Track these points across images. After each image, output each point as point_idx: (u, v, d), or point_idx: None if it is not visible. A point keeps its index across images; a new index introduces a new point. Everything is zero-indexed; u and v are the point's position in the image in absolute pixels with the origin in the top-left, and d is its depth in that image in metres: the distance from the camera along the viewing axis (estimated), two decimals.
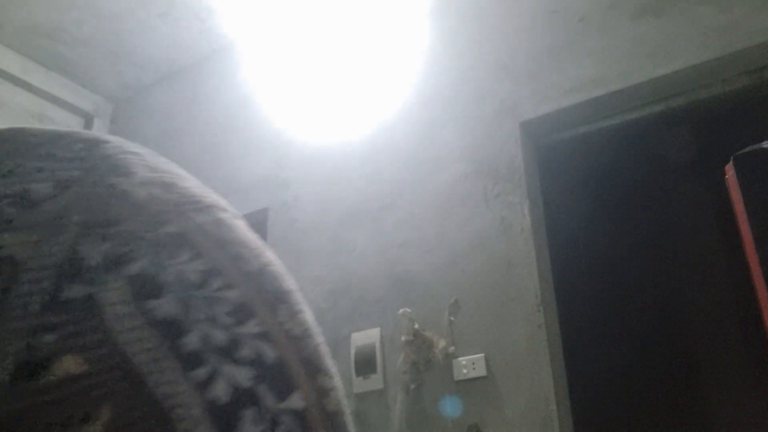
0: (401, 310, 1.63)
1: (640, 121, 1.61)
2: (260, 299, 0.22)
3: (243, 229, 0.24)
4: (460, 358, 1.53)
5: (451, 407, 1.51)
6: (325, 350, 0.23)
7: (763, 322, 1.08)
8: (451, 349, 1.55)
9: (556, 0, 1.69)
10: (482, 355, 1.51)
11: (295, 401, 0.21)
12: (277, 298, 0.22)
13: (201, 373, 0.19)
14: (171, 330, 0.19)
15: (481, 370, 1.49)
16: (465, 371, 1.51)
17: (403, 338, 1.61)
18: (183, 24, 2.29)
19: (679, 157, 1.82)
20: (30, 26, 2.27)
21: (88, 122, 2.60)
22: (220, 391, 0.19)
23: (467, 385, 1.51)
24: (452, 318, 1.58)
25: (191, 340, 0.20)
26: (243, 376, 0.20)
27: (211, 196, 0.24)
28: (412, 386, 1.58)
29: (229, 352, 0.20)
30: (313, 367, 0.22)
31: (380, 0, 2.04)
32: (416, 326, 1.60)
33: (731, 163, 1.14)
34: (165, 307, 0.20)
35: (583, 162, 1.85)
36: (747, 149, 1.13)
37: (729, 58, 1.43)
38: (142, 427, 0.18)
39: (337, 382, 0.23)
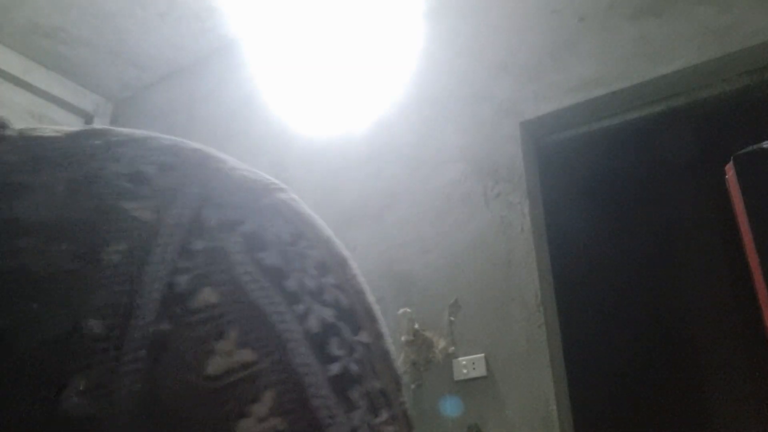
0: (401, 310, 1.63)
1: (641, 121, 1.61)
2: (332, 259, 0.27)
3: (306, 206, 0.30)
4: (460, 358, 1.53)
5: (451, 407, 1.51)
6: (376, 305, 0.29)
7: (764, 322, 1.08)
8: (451, 349, 1.55)
9: (557, 0, 1.69)
10: (482, 355, 1.51)
11: (363, 337, 0.26)
12: (343, 261, 0.28)
13: (299, 308, 0.24)
14: (276, 274, 0.25)
15: (481, 370, 1.49)
16: (465, 371, 1.51)
17: (403, 338, 1.61)
18: (183, 24, 2.29)
19: (679, 156, 1.82)
20: (30, 26, 2.27)
21: (88, 122, 2.60)
22: (313, 322, 0.25)
23: (467, 385, 1.51)
24: (452, 318, 1.58)
25: (291, 284, 0.25)
26: (327, 313, 0.25)
27: (275, 180, 0.29)
28: (412, 386, 1.58)
29: (317, 295, 0.25)
30: (371, 315, 0.28)
31: (379, 0, 2.04)
32: (416, 326, 1.60)
33: (731, 162, 1.14)
34: (270, 257, 0.25)
35: (584, 162, 1.85)
36: (747, 149, 1.13)
37: (729, 57, 1.43)
38: (262, 344, 0.23)
39: (386, 330, 0.29)
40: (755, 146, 1.13)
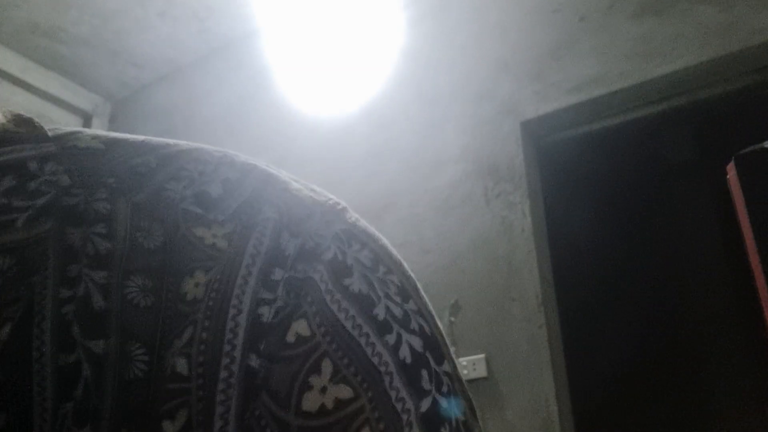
0: None
1: (641, 120, 1.60)
2: (408, 284, 0.26)
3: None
4: (461, 359, 1.52)
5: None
6: None
7: (764, 322, 1.07)
8: (452, 349, 1.55)
9: None
10: (483, 355, 1.50)
11: (446, 366, 0.25)
12: (415, 284, 0.27)
13: (391, 338, 0.23)
14: (364, 303, 0.24)
15: (481, 371, 1.49)
16: (465, 372, 1.51)
17: None
18: (182, 23, 2.29)
19: (680, 156, 1.81)
20: (29, 26, 2.26)
21: (87, 122, 2.59)
22: (405, 353, 0.23)
23: (467, 386, 1.50)
24: (452, 318, 1.58)
25: (380, 311, 0.24)
26: (416, 343, 0.24)
27: (336, 198, 0.29)
28: None
29: (403, 323, 0.24)
30: (446, 342, 0.26)
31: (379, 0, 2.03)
32: None
33: (732, 162, 1.14)
34: (355, 285, 0.24)
35: (584, 162, 1.85)
36: (748, 149, 1.13)
37: (730, 57, 1.43)
38: (358, 379, 0.22)
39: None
40: (756, 146, 1.12)
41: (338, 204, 0.27)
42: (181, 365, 0.21)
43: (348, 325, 0.23)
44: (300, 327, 0.22)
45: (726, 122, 1.66)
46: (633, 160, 1.90)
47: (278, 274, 0.23)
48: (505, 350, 1.48)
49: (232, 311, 0.22)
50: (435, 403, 0.23)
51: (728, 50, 1.42)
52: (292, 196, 0.26)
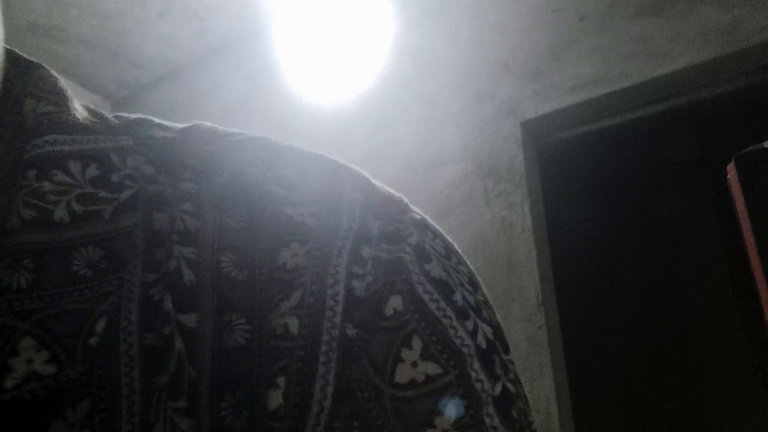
0: None
1: (642, 120, 1.60)
2: (474, 276, 0.27)
3: None
4: None
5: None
6: None
7: (765, 322, 1.07)
8: None
9: None
10: None
11: (511, 356, 0.26)
12: (478, 279, 0.28)
13: (469, 324, 0.24)
14: (444, 288, 0.25)
15: None
16: None
17: None
18: (182, 23, 2.28)
19: (680, 156, 1.81)
20: (29, 26, 2.26)
21: None
22: (481, 339, 0.24)
23: None
24: None
25: (458, 298, 0.25)
26: (488, 331, 0.25)
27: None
28: None
29: (477, 311, 0.25)
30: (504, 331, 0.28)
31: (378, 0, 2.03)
32: None
33: (733, 162, 1.14)
34: (436, 269, 0.25)
35: (585, 162, 1.85)
36: (749, 149, 1.12)
37: (731, 57, 1.43)
38: (444, 358, 0.23)
39: None
40: (757, 146, 1.12)
41: (403, 196, 0.29)
42: (293, 325, 0.22)
43: (432, 306, 0.24)
44: (396, 302, 0.23)
45: (726, 122, 1.66)
46: (633, 160, 1.90)
47: (366, 252, 0.24)
48: None
49: (330, 280, 0.23)
50: (505, 388, 0.25)
51: (729, 50, 1.42)
52: (367, 181, 0.28)
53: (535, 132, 1.70)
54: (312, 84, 2.09)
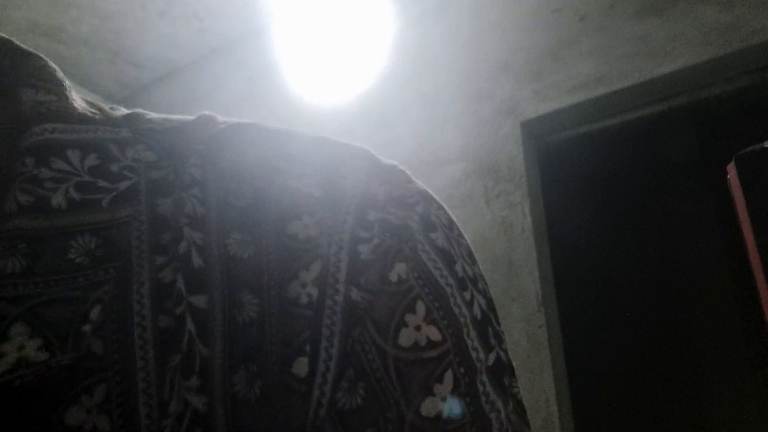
0: None
1: (642, 120, 1.60)
2: (472, 250, 0.28)
3: None
4: None
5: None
6: None
7: (765, 322, 1.07)
8: None
9: None
10: None
11: (501, 326, 0.27)
12: (474, 254, 0.29)
13: (467, 295, 0.25)
14: (448, 258, 0.25)
15: None
16: None
17: None
18: (182, 23, 2.28)
19: (680, 156, 1.81)
20: (28, 25, 2.26)
21: None
22: (477, 310, 0.25)
23: None
24: None
25: (459, 269, 0.26)
26: (483, 303, 0.26)
27: None
28: None
29: (474, 283, 0.26)
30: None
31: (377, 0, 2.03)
32: None
33: (733, 162, 1.14)
34: (440, 239, 0.26)
35: (585, 162, 1.85)
36: (749, 149, 1.12)
37: (730, 57, 1.43)
38: (445, 324, 0.23)
39: None
40: (757, 146, 1.12)
41: (405, 168, 0.29)
42: (314, 295, 0.23)
43: (437, 274, 0.25)
44: (401, 269, 0.24)
45: (726, 122, 1.66)
46: (633, 160, 1.90)
47: (372, 215, 0.25)
48: None
49: (334, 248, 0.24)
50: (498, 357, 0.26)
51: (729, 50, 1.42)
52: (370, 153, 0.28)
53: (535, 132, 1.70)
54: (312, 84, 2.09)
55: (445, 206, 0.29)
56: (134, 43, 2.37)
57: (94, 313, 0.21)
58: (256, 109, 2.22)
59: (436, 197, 0.29)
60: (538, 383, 1.41)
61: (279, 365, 0.22)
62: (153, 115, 0.29)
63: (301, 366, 0.22)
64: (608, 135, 1.67)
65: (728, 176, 1.15)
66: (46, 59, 0.29)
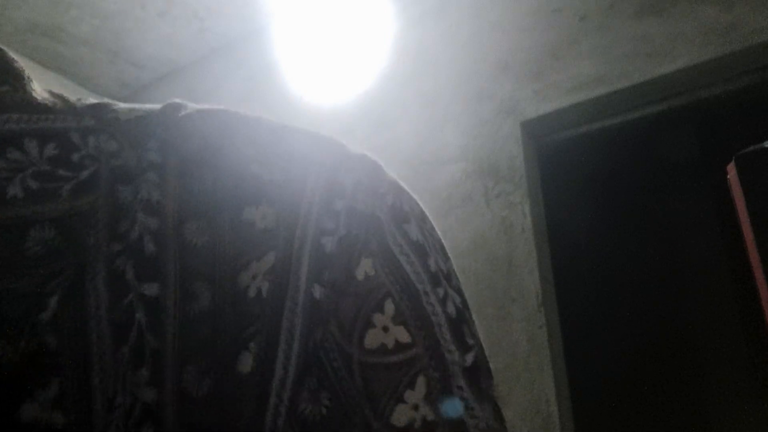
0: None
1: (642, 120, 1.60)
2: (444, 245, 0.27)
3: None
4: None
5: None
6: None
7: (765, 322, 1.07)
8: None
9: None
10: None
11: (475, 322, 0.26)
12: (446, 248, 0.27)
13: (440, 291, 0.24)
14: (421, 251, 0.24)
15: None
16: None
17: None
18: (182, 23, 2.28)
19: (680, 156, 1.81)
20: (28, 25, 2.26)
21: None
22: (451, 308, 0.24)
23: None
24: None
25: (432, 263, 0.24)
26: (458, 300, 0.24)
27: None
28: None
29: (448, 278, 0.25)
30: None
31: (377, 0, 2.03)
32: None
33: (733, 162, 1.14)
34: (414, 231, 0.24)
35: (585, 162, 1.85)
36: (749, 149, 1.12)
37: (731, 57, 1.43)
38: (416, 325, 0.22)
39: None
40: (757, 146, 1.12)
41: (378, 159, 0.28)
42: (265, 289, 0.21)
43: (409, 269, 0.23)
44: (367, 265, 0.22)
45: (726, 122, 1.66)
46: (633, 160, 1.90)
47: (339, 204, 0.24)
48: (505, 350, 1.48)
49: (296, 242, 0.22)
50: (476, 358, 0.24)
51: (729, 50, 1.42)
52: (340, 142, 0.27)
53: (535, 132, 1.70)
54: (312, 84, 2.09)
55: (415, 197, 0.27)
56: (134, 43, 2.37)
57: (50, 306, 0.21)
58: (256, 110, 2.21)
59: (407, 188, 0.27)
60: (538, 383, 1.41)
61: (227, 360, 0.21)
62: (120, 104, 0.28)
63: (243, 362, 0.21)
64: (608, 135, 1.67)
65: (728, 176, 1.15)
66: (5, 50, 0.28)
